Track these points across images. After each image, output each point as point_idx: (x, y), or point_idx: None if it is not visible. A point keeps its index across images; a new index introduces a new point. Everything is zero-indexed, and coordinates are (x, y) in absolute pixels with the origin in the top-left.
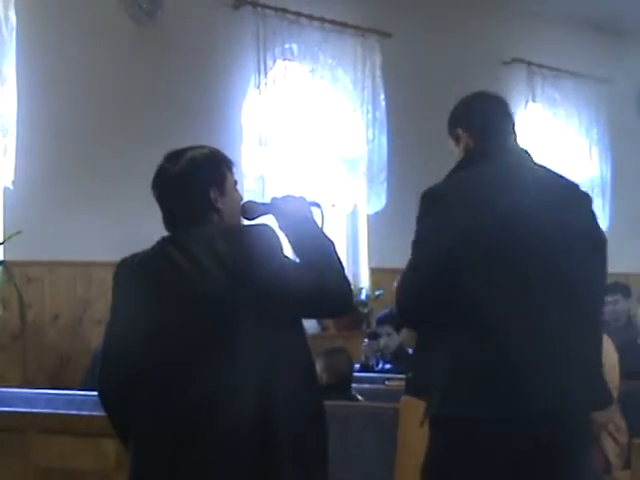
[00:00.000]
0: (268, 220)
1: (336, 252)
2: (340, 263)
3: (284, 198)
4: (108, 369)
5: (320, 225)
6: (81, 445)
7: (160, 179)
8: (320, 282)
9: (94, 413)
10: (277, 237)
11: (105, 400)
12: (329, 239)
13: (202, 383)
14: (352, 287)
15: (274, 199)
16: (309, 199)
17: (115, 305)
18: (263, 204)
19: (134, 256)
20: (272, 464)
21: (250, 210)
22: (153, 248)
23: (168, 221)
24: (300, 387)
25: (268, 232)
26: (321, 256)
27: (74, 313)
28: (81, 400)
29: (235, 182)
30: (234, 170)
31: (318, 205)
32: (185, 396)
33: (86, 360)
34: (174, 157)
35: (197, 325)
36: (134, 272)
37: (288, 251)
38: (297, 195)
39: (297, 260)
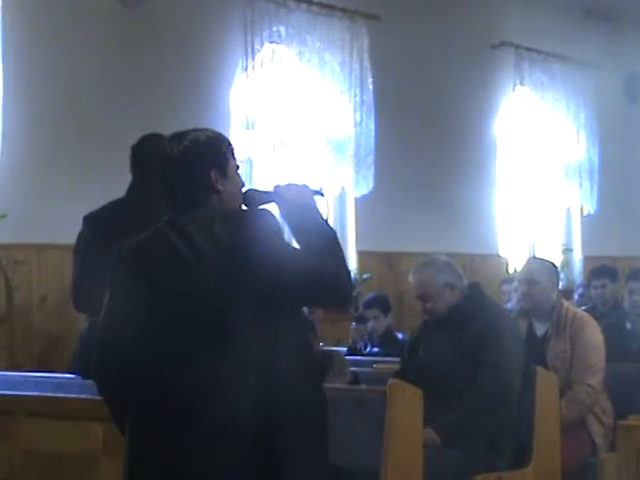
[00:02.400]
0: (270, 208)
1: (338, 241)
2: (341, 252)
3: (287, 186)
4: (105, 356)
5: (323, 214)
6: (68, 428)
7: (162, 160)
8: (320, 269)
9: (82, 396)
10: (277, 222)
11: (103, 387)
12: (331, 228)
13: (200, 369)
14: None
15: (277, 187)
16: (312, 187)
17: (112, 290)
18: (265, 192)
19: (131, 239)
20: (270, 451)
21: (252, 198)
22: (151, 231)
23: (168, 201)
24: (297, 376)
25: (267, 216)
26: (322, 243)
27: (61, 296)
28: (69, 383)
29: (237, 167)
30: (236, 155)
31: (321, 194)
32: (183, 382)
33: (74, 343)
34: (177, 137)
35: (195, 311)
36: (131, 255)
37: (289, 238)
38: (300, 183)
39: (298, 247)
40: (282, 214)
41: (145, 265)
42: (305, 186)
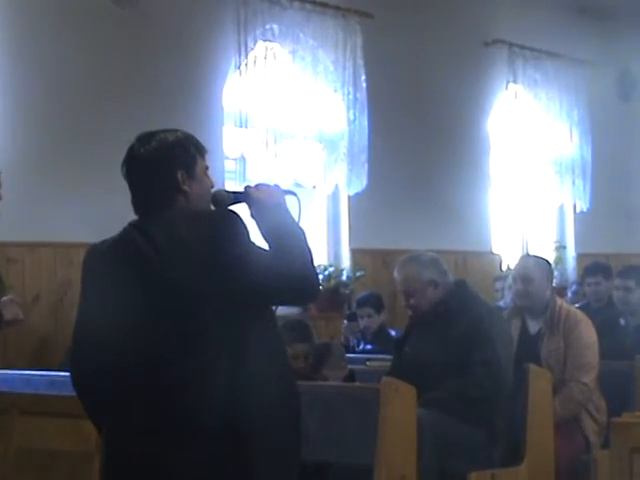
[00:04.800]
0: (240, 209)
1: (306, 241)
2: (310, 252)
3: (257, 186)
4: (79, 355)
5: (295, 213)
6: (62, 426)
7: (129, 158)
8: (286, 269)
9: (75, 394)
10: (242, 222)
11: (78, 385)
12: (300, 228)
13: (171, 368)
14: (319, 277)
15: (247, 187)
16: (285, 188)
17: (84, 292)
18: (234, 193)
19: (102, 242)
20: (244, 447)
21: (221, 199)
22: (120, 234)
23: (135, 201)
24: (269, 373)
25: (232, 217)
26: (291, 244)
27: (55, 294)
28: (62, 381)
29: (206, 168)
30: (206, 156)
31: (294, 194)
32: (154, 381)
33: (67, 341)
34: (145, 137)
35: (163, 311)
36: (102, 259)
37: (258, 239)
38: (271, 183)
39: (266, 247)
40: (252, 214)
41: (113, 268)
42: (276, 186)
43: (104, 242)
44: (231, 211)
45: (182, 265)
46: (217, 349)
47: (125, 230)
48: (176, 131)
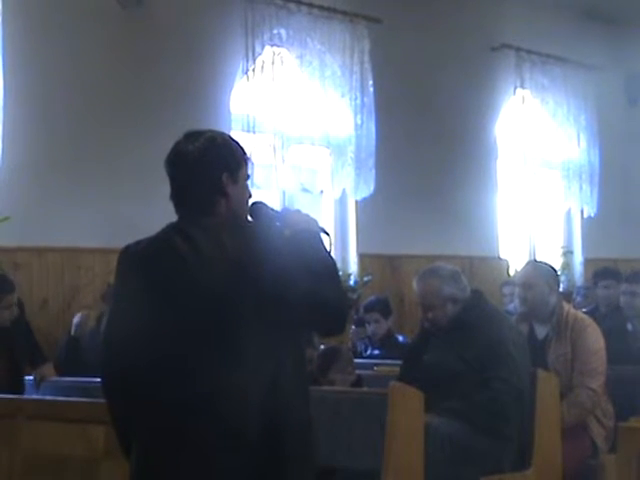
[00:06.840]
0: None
1: (337, 271)
2: (339, 280)
3: (296, 211)
4: (111, 358)
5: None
6: (69, 431)
7: (175, 154)
8: (325, 294)
9: (83, 399)
10: (283, 237)
11: (108, 386)
12: (332, 257)
13: (201, 376)
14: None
15: (285, 209)
16: (320, 225)
17: (117, 293)
18: (273, 210)
19: (137, 243)
20: (279, 455)
21: (259, 211)
22: (158, 235)
23: (176, 198)
24: (299, 380)
25: (274, 231)
26: (322, 270)
27: (62, 299)
28: (69, 386)
29: (248, 176)
30: (249, 164)
31: (327, 234)
32: (185, 388)
33: None
34: (193, 135)
35: (197, 318)
36: (137, 260)
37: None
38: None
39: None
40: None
41: (151, 270)
42: (314, 219)
43: (139, 243)
44: (275, 226)
45: (221, 271)
46: (251, 360)
47: (163, 231)
48: (222, 132)
